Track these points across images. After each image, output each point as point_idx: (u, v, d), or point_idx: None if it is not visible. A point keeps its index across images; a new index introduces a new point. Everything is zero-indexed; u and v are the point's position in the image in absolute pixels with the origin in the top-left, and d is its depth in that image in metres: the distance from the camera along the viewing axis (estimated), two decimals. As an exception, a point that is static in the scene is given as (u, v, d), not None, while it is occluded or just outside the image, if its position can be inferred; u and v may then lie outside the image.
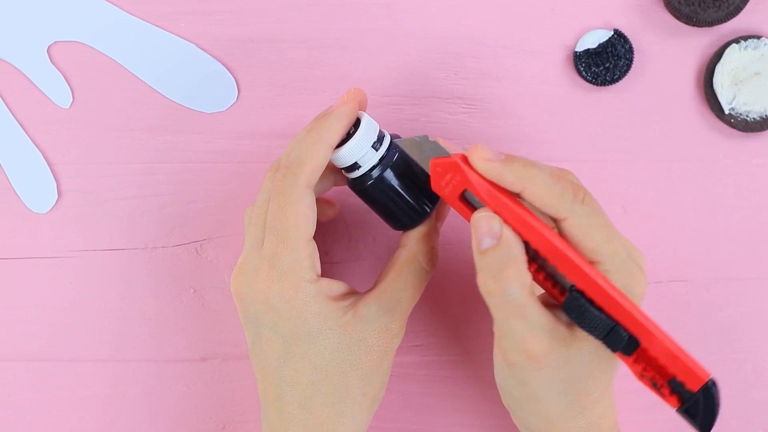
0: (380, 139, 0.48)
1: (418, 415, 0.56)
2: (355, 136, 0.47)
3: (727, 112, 0.54)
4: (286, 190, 0.46)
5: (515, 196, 0.44)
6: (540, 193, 0.44)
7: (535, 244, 0.44)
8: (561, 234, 0.44)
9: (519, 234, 0.44)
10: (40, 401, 0.56)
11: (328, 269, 0.56)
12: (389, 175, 0.47)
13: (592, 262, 0.44)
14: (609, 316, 0.43)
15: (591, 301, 0.43)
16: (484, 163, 0.44)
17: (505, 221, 0.44)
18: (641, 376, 0.44)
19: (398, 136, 0.49)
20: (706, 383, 0.42)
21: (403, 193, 0.47)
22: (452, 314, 0.56)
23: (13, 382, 0.56)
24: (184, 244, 0.56)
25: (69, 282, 0.56)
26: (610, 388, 0.48)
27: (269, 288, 0.46)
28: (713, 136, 0.55)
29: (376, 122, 0.48)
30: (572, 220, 0.44)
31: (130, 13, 0.56)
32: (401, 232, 0.50)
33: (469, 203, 0.45)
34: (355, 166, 0.47)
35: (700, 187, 0.55)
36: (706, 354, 0.55)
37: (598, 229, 0.44)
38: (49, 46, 0.56)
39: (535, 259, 0.45)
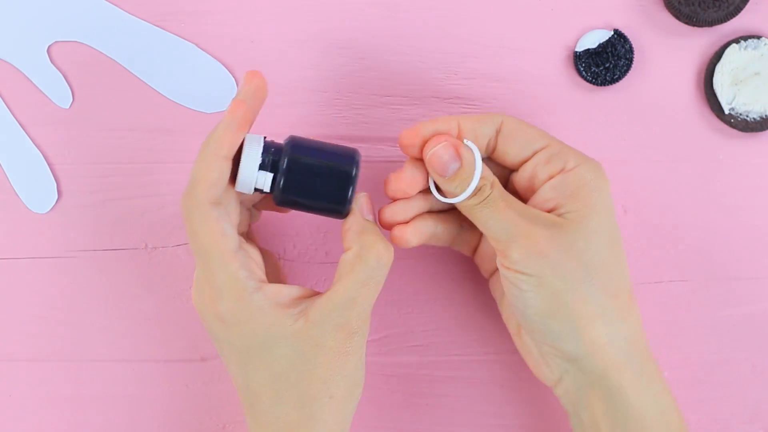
0: (268, 151, 0.47)
1: (418, 415, 0.56)
2: (240, 168, 0.46)
3: (727, 112, 0.54)
4: (189, 211, 0.45)
5: None
6: (472, 116, 0.48)
7: None
8: (502, 146, 0.49)
9: None
10: (40, 401, 0.56)
11: (328, 270, 0.56)
12: (289, 189, 0.47)
13: (540, 149, 0.48)
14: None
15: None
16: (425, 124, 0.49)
17: None
18: None
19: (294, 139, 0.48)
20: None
21: (314, 197, 0.47)
22: (452, 314, 0.56)
23: (13, 382, 0.56)
24: (184, 244, 0.56)
25: (69, 282, 0.56)
26: (632, 294, 0.48)
27: (217, 305, 0.45)
28: (713, 136, 0.55)
29: (259, 138, 0.47)
30: (507, 123, 0.48)
31: (130, 13, 0.56)
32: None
33: None
34: (260, 190, 0.47)
35: (700, 187, 0.55)
36: (706, 354, 0.55)
37: (532, 126, 0.49)
38: (49, 46, 0.56)
39: None
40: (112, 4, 0.56)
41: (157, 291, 0.56)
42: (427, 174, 0.49)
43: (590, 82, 0.55)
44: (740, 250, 0.55)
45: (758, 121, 0.54)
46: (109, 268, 0.56)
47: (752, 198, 0.55)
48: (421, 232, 0.50)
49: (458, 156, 0.47)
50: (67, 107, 0.56)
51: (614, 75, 0.54)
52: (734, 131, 0.55)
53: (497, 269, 0.50)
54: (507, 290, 0.48)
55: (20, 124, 0.56)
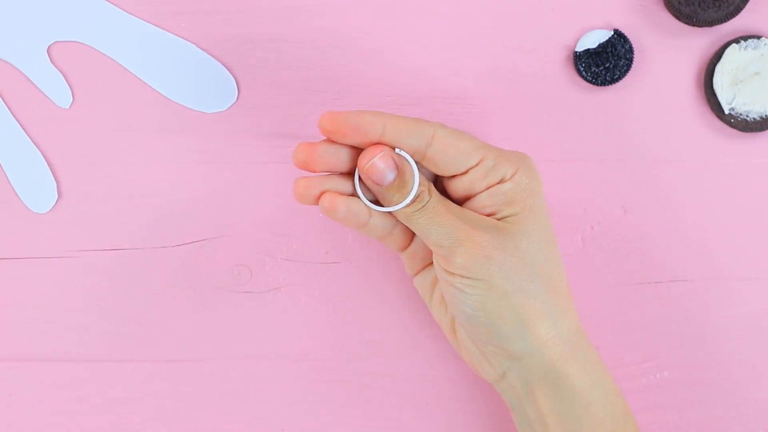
0: None
1: (417, 415, 0.56)
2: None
3: (727, 112, 0.54)
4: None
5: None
6: (401, 123, 0.47)
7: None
8: (432, 157, 0.47)
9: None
10: (40, 401, 0.56)
11: (328, 269, 0.56)
12: None
13: (476, 164, 0.47)
14: None
15: None
16: (343, 112, 0.47)
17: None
18: None
19: None
20: None
21: None
22: (452, 314, 0.56)
23: (13, 382, 0.56)
24: (184, 244, 0.56)
25: (69, 282, 0.56)
26: (568, 287, 0.49)
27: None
28: (713, 136, 0.55)
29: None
30: (439, 137, 0.47)
31: (130, 13, 0.56)
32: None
33: None
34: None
35: (700, 187, 0.55)
36: (706, 354, 0.55)
37: (465, 135, 0.48)
38: (49, 46, 0.56)
39: None
40: (112, 4, 0.56)
41: (158, 291, 0.56)
42: (342, 160, 0.48)
43: (590, 82, 0.55)
44: (740, 250, 0.55)
45: (758, 121, 0.54)
46: (109, 268, 0.56)
47: (752, 198, 0.55)
48: (351, 209, 0.48)
49: (395, 166, 0.47)
50: (67, 107, 0.56)
51: (614, 75, 0.54)
52: (734, 131, 0.55)
53: (424, 268, 0.51)
54: (450, 295, 0.48)
55: (20, 124, 0.56)
